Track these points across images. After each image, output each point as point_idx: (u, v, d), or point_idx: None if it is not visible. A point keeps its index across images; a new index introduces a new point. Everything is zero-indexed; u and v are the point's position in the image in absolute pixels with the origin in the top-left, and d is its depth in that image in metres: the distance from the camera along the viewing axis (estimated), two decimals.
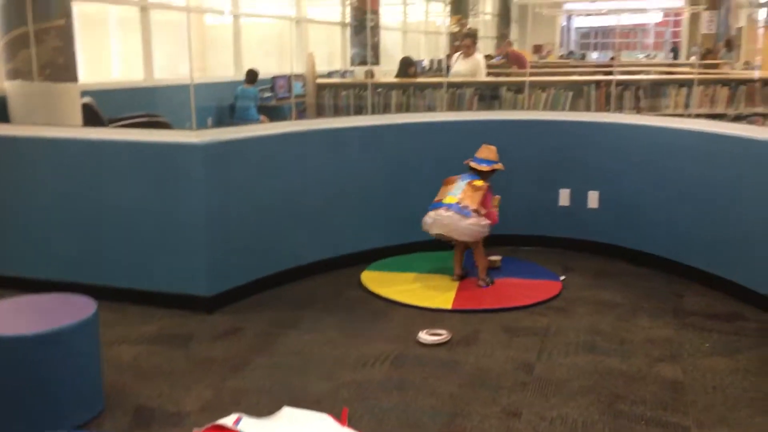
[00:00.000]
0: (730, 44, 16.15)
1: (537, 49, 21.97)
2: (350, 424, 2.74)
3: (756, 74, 7.95)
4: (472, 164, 4.31)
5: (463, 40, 7.26)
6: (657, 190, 4.51)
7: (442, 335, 3.52)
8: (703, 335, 3.57)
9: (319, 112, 6.38)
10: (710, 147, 4.22)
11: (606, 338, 3.56)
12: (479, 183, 4.19)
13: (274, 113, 9.25)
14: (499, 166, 4.29)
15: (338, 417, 2.76)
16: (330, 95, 6.49)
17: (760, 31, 15.50)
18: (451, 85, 6.37)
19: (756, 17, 16.57)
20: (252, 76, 9.23)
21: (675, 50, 18.73)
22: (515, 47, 14.06)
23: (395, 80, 7.50)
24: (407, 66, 7.78)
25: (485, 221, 4.13)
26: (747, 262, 3.96)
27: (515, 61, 11.46)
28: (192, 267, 3.90)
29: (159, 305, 3.91)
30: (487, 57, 13.50)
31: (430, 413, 2.83)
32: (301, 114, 7.60)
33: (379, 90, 6.42)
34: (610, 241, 4.83)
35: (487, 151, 4.35)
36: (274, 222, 4.20)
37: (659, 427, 2.73)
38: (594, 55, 24.24)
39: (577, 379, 3.13)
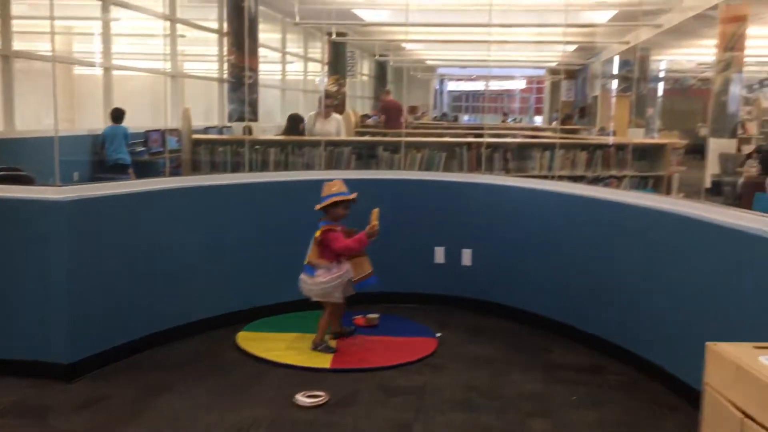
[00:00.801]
0: (583, 111, 17.50)
1: (412, 110, 22.75)
2: None
3: (610, 140, 8.60)
4: (316, 208, 4.13)
5: (326, 101, 7.37)
6: (526, 248, 4.72)
7: (320, 397, 3.46)
8: (570, 388, 3.71)
9: (195, 168, 6.24)
10: (571, 208, 4.49)
11: (481, 394, 3.63)
12: (317, 234, 4.07)
13: (146, 168, 8.96)
14: (332, 199, 4.03)
15: None
16: (206, 151, 6.38)
17: (613, 99, 16.87)
18: (329, 143, 6.45)
19: (609, 87, 18.03)
20: (118, 113, 8.91)
21: (578, 111, 19.90)
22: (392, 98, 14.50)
23: (274, 137, 7.51)
24: (297, 123, 7.80)
25: (328, 276, 4.00)
26: (608, 317, 4.19)
27: (392, 107, 11.81)
28: (50, 332, 3.64)
29: (14, 375, 3.61)
30: (364, 117, 13.85)
31: None
32: (176, 170, 7.40)
33: (257, 147, 6.39)
34: (484, 297, 4.97)
35: (326, 188, 4.13)
36: (143, 282, 4.02)
37: None
38: (465, 118, 25.42)
39: None
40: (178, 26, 10.55)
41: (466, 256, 5.00)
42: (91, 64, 9.81)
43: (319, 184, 5.01)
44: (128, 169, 8.73)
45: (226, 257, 4.50)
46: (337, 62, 15.95)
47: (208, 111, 12.09)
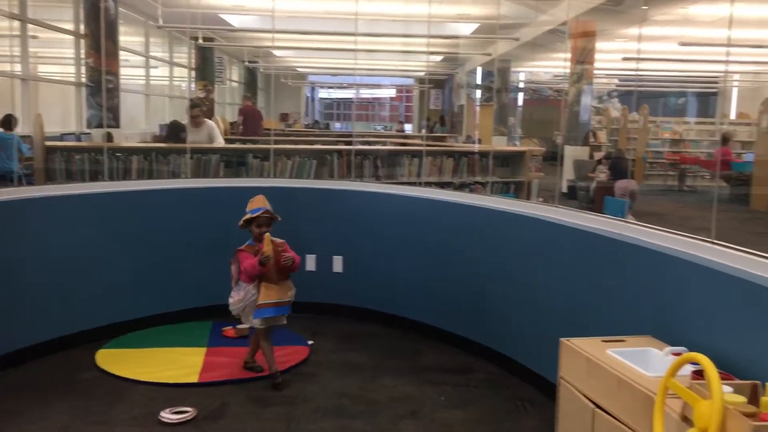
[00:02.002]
0: (443, 120, 18.15)
1: (283, 117, 22.61)
2: None
3: (476, 147, 8.94)
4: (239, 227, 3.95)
5: (192, 111, 7.18)
6: (396, 253, 4.80)
7: (187, 412, 3.35)
8: (439, 389, 3.81)
9: (49, 178, 5.86)
10: (439, 213, 4.61)
11: (353, 401, 3.64)
12: (240, 249, 3.86)
13: None
14: (244, 219, 3.85)
15: None
16: (62, 159, 6.01)
17: (477, 108, 17.56)
18: (195, 151, 6.27)
19: (473, 96, 18.74)
20: (7, 120, 8.21)
21: (429, 120, 20.36)
22: (255, 106, 14.34)
23: (138, 144, 7.20)
24: (179, 130, 7.50)
25: (236, 296, 3.80)
26: (475, 318, 4.34)
27: (251, 113, 11.64)
28: None
29: None
30: (233, 124, 13.59)
31: None
32: (28, 179, 6.93)
33: (119, 155, 6.10)
34: (356, 303, 5.01)
35: (250, 204, 3.90)
36: None
37: None
38: (337, 125, 25.55)
39: None
40: (30, 26, 9.90)
41: (338, 263, 5.02)
42: None
43: (183, 193, 4.90)
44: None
45: (82, 271, 4.26)
46: (205, 68, 15.57)
47: (65, 117, 11.43)
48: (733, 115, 17.87)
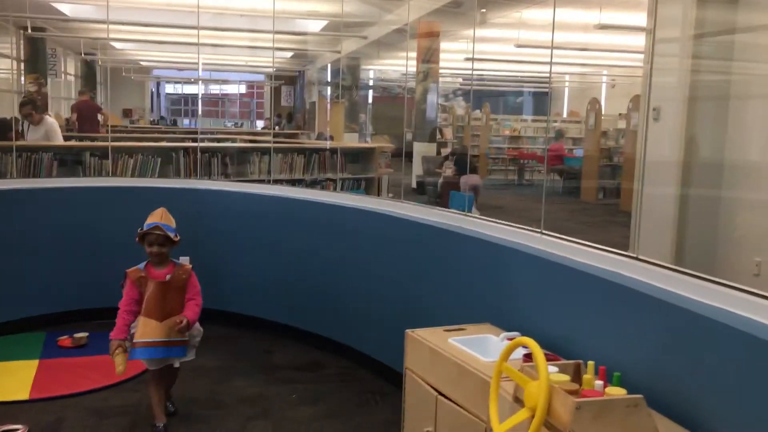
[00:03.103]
0: (291, 116, 18.13)
1: (127, 113, 21.55)
2: None
3: (327, 144, 8.98)
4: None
5: (22, 109, 6.68)
6: (245, 252, 4.72)
7: (18, 430, 3.11)
8: (290, 387, 3.79)
9: None
10: (288, 210, 4.58)
11: (201, 405, 3.55)
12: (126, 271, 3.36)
13: None
14: (139, 231, 3.31)
15: None
16: None
17: (328, 105, 17.64)
18: (25, 149, 5.83)
19: (325, 93, 18.80)
20: None
21: (280, 116, 20.08)
22: (94, 100, 13.57)
23: None
24: (7, 128, 6.86)
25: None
26: (324, 314, 4.36)
27: (87, 108, 10.98)
28: None
29: None
30: (68, 120, 12.75)
31: None
32: None
33: None
34: (205, 306, 4.85)
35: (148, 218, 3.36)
36: None
37: None
38: (185, 122, 24.70)
39: None
40: None
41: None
42: None
43: (11, 195, 4.53)
44: None
45: None
46: (36, 60, 14.48)
47: None
48: (565, 113, 19.19)
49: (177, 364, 3.28)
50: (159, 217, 3.29)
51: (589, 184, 11.68)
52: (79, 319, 4.56)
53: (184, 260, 3.47)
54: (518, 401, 2.08)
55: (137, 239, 3.28)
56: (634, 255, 2.49)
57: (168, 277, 3.22)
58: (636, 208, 4.84)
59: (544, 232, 2.96)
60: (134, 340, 3.16)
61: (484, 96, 17.69)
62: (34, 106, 6.86)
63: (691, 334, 2.06)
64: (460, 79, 17.65)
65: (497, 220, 3.32)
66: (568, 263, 2.64)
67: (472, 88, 13.31)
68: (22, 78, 13.96)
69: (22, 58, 14.06)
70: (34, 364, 3.92)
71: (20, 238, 4.45)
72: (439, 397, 2.57)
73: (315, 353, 4.30)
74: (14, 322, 4.41)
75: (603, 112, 12.91)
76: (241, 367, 4.08)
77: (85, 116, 10.76)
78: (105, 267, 4.68)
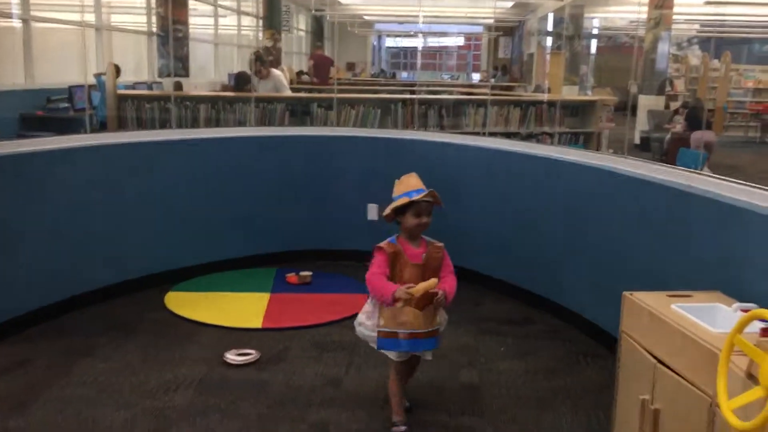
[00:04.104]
0: (505, 69, 17.65)
1: (350, 66, 22.51)
2: None
3: (545, 97, 8.70)
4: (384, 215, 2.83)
5: (254, 65, 7.20)
6: (460, 205, 4.75)
7: (251, 354, 3.45)
8: (498, 340, 3.80)
9: (121, 125, 6.03)
10: (505, 163, 4.52)
11: None
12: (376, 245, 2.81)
13: (71, 125, 8.62)
14: (394, 205, 2.78)
15: None
16: (133, 107, 6.16)
17: (548, 57, 17.04)
18: (261, 100, 6.32)
19: (544, 44, 18.16)
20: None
21: (497, 69, 19.86)
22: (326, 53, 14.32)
23: (204, 93, 7.31)
24: (245, 81, 7.59)
25: (366, 310, 2.82)
26: (536, 270, 4.28)
27: (322, 61, 11.66)
28: None
29: None
30: (300, 74, 13.61)
31: None
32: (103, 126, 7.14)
33: (187, 103, 6.21)
34: None
35: (395, 188, 2.87)
36: (65, 242, 3.90)
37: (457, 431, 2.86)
38: (404, 75, 25.28)
39: (383, 390, 3.17)
40: None
41: None
42: (8, 16, 9.30)
43: (250, 141, 4.95)
44: None
45: (153, 216, 4.40)
46: (272, 17, 15.56)
47: (138, 66, 11.67)
48: None
49: (429, 357, 2.87)
50: (417, 183, 2.79)
51: None
52: (302, 259, 4.91)
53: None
54: (752, 378, 1.89)
55: (389, 213, 2.78)
56: None
57: (423, 256, 2.75)
58: None
59: None
60: (380, 327, 2.74)
61: (725, 44, 15.99)
62: (261, 61, 7.39)
63: None
64: (697, 26, 16.11)
65: (733, 180, 3.00)
66: None
67: (711, 35, 12.09)
68: (260, 34, 15.10)
69: (261, 15, 15.19)
70: (266, 296, 4.30)
71: (253, 181, 4.84)
72: (658, 365, 2.42)
73: (524, 308, 4.26)
74: (250, 258, 4.85)
75: None
76: (452, 316, 4.14)
77: (319, 67, 11.47)
78: (329, 211, 5.00)
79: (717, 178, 3.09)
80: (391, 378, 2.86)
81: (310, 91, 9.60)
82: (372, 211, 5.04)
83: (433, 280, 2.68)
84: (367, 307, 2.82)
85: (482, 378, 3.36)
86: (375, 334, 2.76)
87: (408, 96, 7.03)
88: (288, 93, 7.42)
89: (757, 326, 2.10)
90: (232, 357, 3.41)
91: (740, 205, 2.77)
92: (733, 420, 1.84)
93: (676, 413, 2.31)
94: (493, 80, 16.86)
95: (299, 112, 6.51)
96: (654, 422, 2.41)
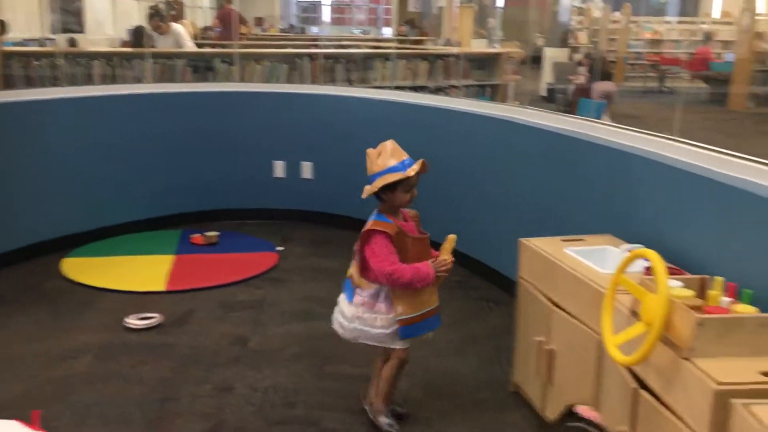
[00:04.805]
0: (413, 23, 17.57)
1: (258, 21, 21.88)
2: (45, 427, 2.49)
3: (453, 50, 8.73)
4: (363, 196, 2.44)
5: (150, 21, 6.89)
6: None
7: (153, 318, 3.36)
8: None
9: (8, 84, 5.68)
10: (410, 116, 4.52)
11: (321, 304, 3.65)
12: (368, 226, 2.42)
13: None
14: (380, 182, 2.38)
15: (29, 421, 2.49)
16: (20, 66, 5.80)
17: (457, 10, 17.06)
18: (160, 56, 6.06)
19: None
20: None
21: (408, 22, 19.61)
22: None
23: (98, 50, 6.95)
24: (143, 36, 7.22)
25: (358, 302, 2.43)
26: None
27: (227, 17, 11.26)
28: None
29: None
30: (206, 29, 13.12)
31: (138, 402, 2.68)
32: None
33: (80, 60, 5.90)
34: (326, 209, 4.98)
35: (370, 159, 2.51)
36: None
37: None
38: (314, 30, 24.81)
39: (291, 346, 3.18)
40: None
41: (306, 169, 4.95)
42: None
43: (148, 98, 4.75)
44: None
45: (45, 179, 4.18)
46: None
47: (28, 22, 10.96)
48: (716, 14, 17.52)
49: (431, 336, 2.53)
50: (399, 153, 2.47)
51: (739, 91, 10.72)
52: (209, 219, 4.82)
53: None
54: (635, 315, 1.97)
55: (374, 190, 2.40)
56: None
57: (416, 227, 2.49)
58: None
59: (677, 139, 2.74)
60: (416, 313, 2.39)
61: None
62: (160, 16, 7.07)
63: None
64: None
65: (625, 127, 3.10)
66: (699, 172, 2.44)
67: None
68: None
69: None
70: (170, 259, 4.19)
71: (153, 140, 4.67)
72: (553, 307, 2.50)
73: None
74: (152, 220, 4.70)
75: (760, 11, 11.67)
76: None
77: (227, 22, 11.07)
78: (234, 170, 4.89)
79: (612, 126, 3.18)
80: (396, 370, 2.50)
81: (213, 46, 9.28)
82: (278, 168, 4.97)
83: (453, 236, 2.50)
84: (360, 299, 2.42)
85: None
86: (384, 330, 2.39)
87: (312, 51, 6.89)
88: (191, 47, 7.15)
89: (641, 266, 2.19)
90: (133, 321, 3.32)
91: (631, 151, 2.86)
92: (617, 355, 1.93)
93: (569, 352, 2.40)
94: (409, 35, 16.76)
95: (202, 68, 6.29)
96: (549, 362, 2.51)
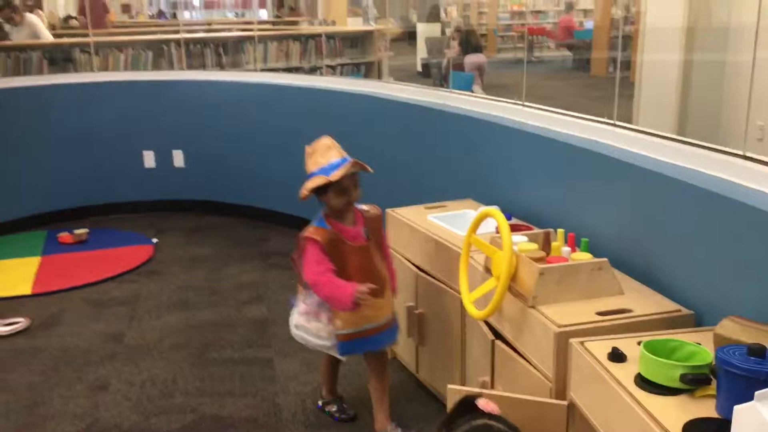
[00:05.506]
0: (282, 2, 17.35)
1: (126, 8, 20.96)
2: None
3: (321, 30, 8.70)
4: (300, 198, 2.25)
5: (1, 12, 6.48)
6: (237, 143, 4.67)
7: (19, 323, 3.21)
8: (284, 273, 3.85)
9: None
10: (281, 97, 4.49)
11: (198, 293, 3.63)
12: (302, 234, 2.28)
13: None
14: (310, 185, 2.20)
15: None
16: None
17: None
18: (13, 49, 5.72)
19: None
20: None
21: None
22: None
23: None
24: None
25: (302, 311, 2.31)
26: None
27: (91, 5, 10.72)
28: None
29: None
30: (68, 18, 12.43)
31: (5, 411, 2.57)
32: None
33: None
34: (201, 197, 4.90)
35: (306, 157, 2.31)
36: None
37: (245, 365, 2.89)
38: (186, 14, 24.04)
39: (168, 338, 3.13)
40: None
41: (178, 158, 4.84)
42: None
43: (7, 93, 4.48)
44: None
45: None
46: None
47: None
48: None
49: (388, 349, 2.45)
50: (339, 151, 2.25)
51: (600, 57, 11.31)
52: (76, 217, 4.64)
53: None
54: (488, 271, 2.08)
55: (307, 193, 2.21)
56: (612, 122, 2.42)
57: (365, 233, 2.28)
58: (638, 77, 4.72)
59: (525, 104, 2.88)
60: (355, 330, 2.24)
61: None
62: (12, 8, 6.66)
63: (658, 195, 2.01)
64: None
65: (483, 96, 3.23)
66: (544, 133, 2.58)
67: None
68: None
69: None
70: (36, 260, 4.01)
71: (15, 139, 4.43)
72: (419, 273, 2.59)
73: None
74: (14, 221, 4.47)
75: None
76: (237, 255, 4.14)
77: (91, 10, 10.50)
78: (101, 163, 4.71)
79: (468, 96, 3.30)
80: (376, 384, 2.38)
81: (73, 36, 8.83)
82: (149, 158, 4.83)
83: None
84: (304, 306, 2.30)
85: (270, 311, 3.40)
86: (325, 342, 2.26)
87: (177, 36, 6.70)
88: (48, 38, 6.78)
89: (494, 225, 2.30)
90: None
91: (484, 118, 2.99)
92: (472, 310, 2.03)
93: (437, 314, 2.50)
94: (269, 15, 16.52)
95: (60, 59, 5.99)
96: (419, 325, 2.60)
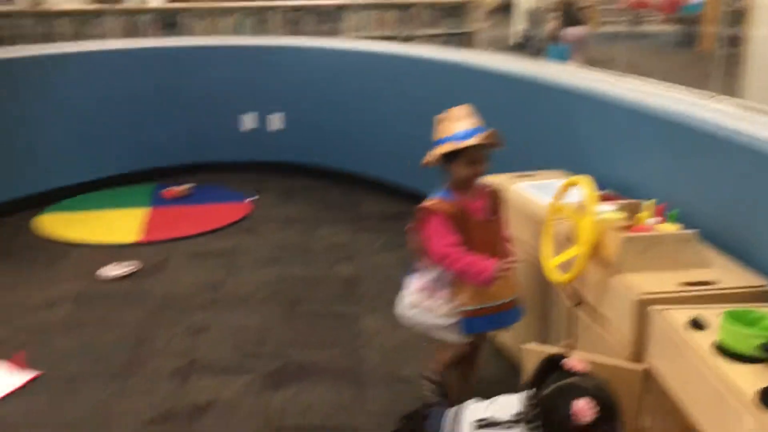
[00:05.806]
0: None
1: None
2: (28, 367, 2.62)
3: None
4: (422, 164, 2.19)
5: None
6: (335, 109, 4.80)
7: (129, 267, 3.47)
8: (374, 236, 3.96)
9: None
10: (378, 66, 4.57)
11: (290, 250, 3.80)
12: (424, 205, 2.17)
13: None
14: (439, 151, 2.11)
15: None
16: None
17: None
18: (125, 12, 6.06)
19: None
20: None
21: None
22: None
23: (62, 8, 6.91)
24: None
25: (416, 287, 2.19)
26: (413, 167, 4.43)
27: None
28: None
29: None
30: None
31: (114, 345, 2.81)
32: None
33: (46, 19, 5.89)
34: (297, 160, 5.07)
35: (437, 125, 2.18)
36: None
37: (332, 319, 3.03)
38: None
39: (262, 290, 3.31)
40: None
41: (277, 121, 5.02)
42: None
43: (117, 55, 4.77)
44: None
45: (14, 138, 4.23)
46: None
47: None
48: None
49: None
50: (473, 120, 2.13)
51: (709, 31, 10.79)
52: (182, 174, 4.88)
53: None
54: (570, 240, 2.11)
55: (434, 160, 2.12)
56: (712, 95, 2.38)
57: (488, 207, 2.18)
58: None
59: (622, 75, 2.85)
60: (480, 305, 2.11)
61: None
62: None
63: (756, 172, 1.98)
64: None
65: (579, 69, 3.21)
66: (640, 107, 2.56)
67: None
68: None
69: None
70: (144, 211, 4.29)
71: (125, 96, 4.71)
72: None
73: (401, 204, 4.42)
74: (125, 175, 4.77)
75: None
76: (329, 217, 4.29)
77: None
78: (204, 124, 4.95)
79: (565, 68, 3.28)
80: (442, 362, 2.25)
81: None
82: (250, 120, 5.03)
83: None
84: (419, 282, 2.18)
85: (359, 270, 3.53)
86: (443, 321, 2.13)
87: (281, 3, 6.88)
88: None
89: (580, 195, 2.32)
90: (109, 271, 3.43)
91: (575, 91, 2.98)
92: (554, 275, 2.07)
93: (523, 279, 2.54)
94: None
95: (167, 23, 6.31)
96: None
